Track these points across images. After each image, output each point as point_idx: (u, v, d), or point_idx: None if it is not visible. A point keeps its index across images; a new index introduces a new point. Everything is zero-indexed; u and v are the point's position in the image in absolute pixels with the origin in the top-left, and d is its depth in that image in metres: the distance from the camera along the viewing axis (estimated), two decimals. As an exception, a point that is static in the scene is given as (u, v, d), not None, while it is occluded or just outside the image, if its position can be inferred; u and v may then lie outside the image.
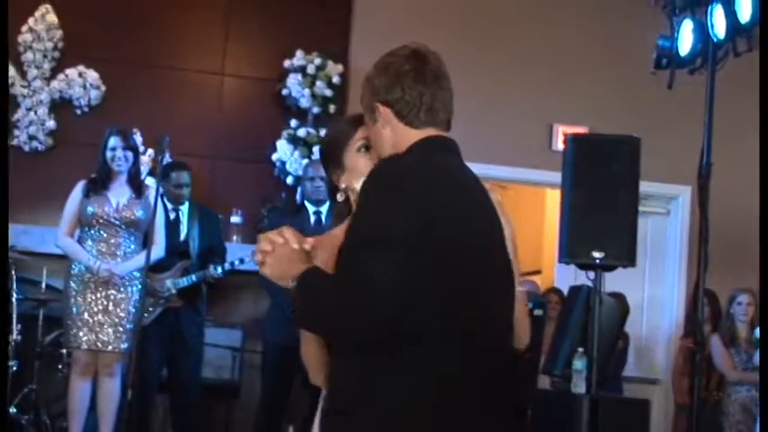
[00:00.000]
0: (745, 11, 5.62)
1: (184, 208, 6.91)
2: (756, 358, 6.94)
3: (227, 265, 6.72)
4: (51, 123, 7.79)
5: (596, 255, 5.39)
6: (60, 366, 6.75)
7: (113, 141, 6.24)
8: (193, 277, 6.68)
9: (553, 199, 9.81)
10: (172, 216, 6.81)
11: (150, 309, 6.55)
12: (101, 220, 6.18)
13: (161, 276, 6.59)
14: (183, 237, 6.84)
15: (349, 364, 2.32)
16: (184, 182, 6.85)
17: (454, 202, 2.34)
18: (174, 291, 6.63)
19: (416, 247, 2.24)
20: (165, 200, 6.77)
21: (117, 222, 6.20)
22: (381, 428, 2.27)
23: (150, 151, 7.50)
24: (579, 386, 5.41)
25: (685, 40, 6.09)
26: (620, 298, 7.64)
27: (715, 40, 5.81)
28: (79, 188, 6.26)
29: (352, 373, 2.31)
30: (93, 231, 6.21)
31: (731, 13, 5.68)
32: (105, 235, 6.20)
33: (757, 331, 6.72)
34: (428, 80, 2.47)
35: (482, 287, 2.35)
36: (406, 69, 2.47)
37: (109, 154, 6.23)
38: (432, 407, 2.26)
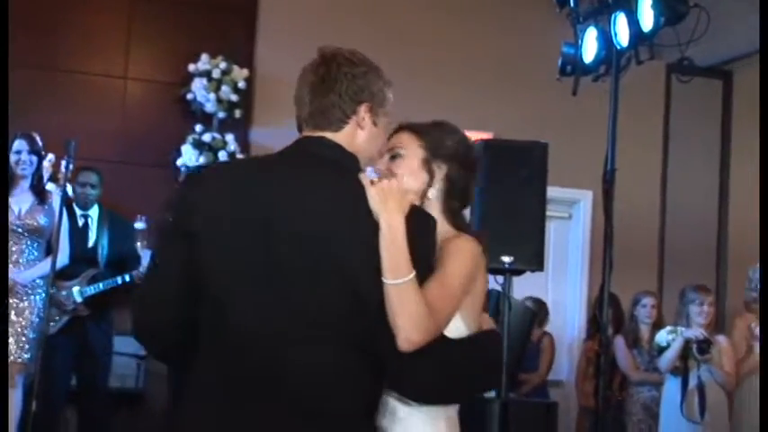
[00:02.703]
0: (647, 19, 5.73)
1: (94, 214, 6.78)
2: (657, 359, 7.10)
3: (135, 273, 6.60)
4: (-54, 128, 7.56)
5: (505, 259, 5.43)
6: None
7: (18, 145, 6.10)
8: (101, 285, 6.55)
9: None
10: (80, 222, 6.69)
11: (56, 318, 6.41)
12: (2, 228, 6.03)
13: (67, 284, 6.45)
14: (91, 243, 6.72)
15: None
16: (90, 182, 6.73)
17: (231, 204, 2.37)
18: (79, 299, 6.50)
19: (184, 247, 2.38)
20: (75, 205, 6.66)
21: (19, 230, 6.05)
22: (174, 425, 2.41)
23: (51, 156, 7.33)
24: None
25: (589, 47, 6.18)
26: (539, 303, 7.79)
27: (618, 47, 5.92)
28: (-22, 195, 6.10)
29: None
30: (-7, 239, 6.06)
31: (634, 22, 5.79)
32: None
33: (658, 334, 6.86)
34: (305, 82, 2.49)
35: (253, 287, 2.33)
36: (301, 73, 2.52)
37: (14, 157, 6.09)
38: (198, 407, 2.36)
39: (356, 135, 2.49)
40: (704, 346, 6.50)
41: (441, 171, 2.72)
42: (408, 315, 2.32)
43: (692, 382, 6.53)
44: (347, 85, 2.46)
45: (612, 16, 5.92)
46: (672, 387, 6.69)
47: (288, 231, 2.33)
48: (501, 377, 2.72)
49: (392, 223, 2.34)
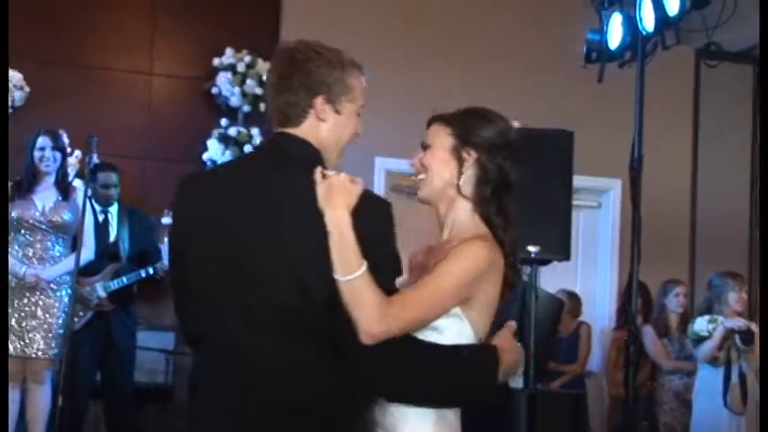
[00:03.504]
0: (673, 4, 5.65)
1: (113, 210, 6.83)
2: (689, 347, 7.01)
3: (158, 266, 6.62)
4: (-26, 126, 7.59)
5: (532, 249, 5.34)
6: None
7: (42, 141, 6.12)
8: (124, 280, 6.59)
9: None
10: (101, 218, 6.73)
11: (80, 313, 6.43)
12: (26, 225, 6.03)
13: (91, 280, 6.47)
14: (112, 239, 6.77)
15: None
16: (112, 182, 6.78)
17: (196, 207, 2.51)
18: (104, 295, 6.53)
19: (176, 261, 2.58)
20: (94, 202, 6.66)
21: (44, 226, 6.07)
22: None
23: (77, 152, 7.35)
24: (517, 381, 5.40)
25: (615, 33, 6.12)
26: (572, 295, 7.73)
27: (644, 33, 5.84)
28: (3, 192, 6.11)
29: None
30: (19, 236, 6.06)
31: (659, 7, 5.71)
32: (32, 239, 6.06)
33: (696, 323, 6.75)
34: (268, 81, 2.64)
35: (220, 286, 2.42)
36: (269, 68, 2.68)
37: (37, 154, 6.11)
38: (193, 404, 2.57)
39: (319, 127, 2.53)
40: (747, 336, 6.39)
41: (471, 158, 2.70)
42: (364, 308, 2.33)
43: (734, 373, 6.44)
44: (300, 81, 2.51)
45: (638, 1, 5.85)
46: (707, 376, 6.57)
47: (249, 232, 2.39)
48: (490, 391, 2.65)
49: (335, 219, 2.35)
